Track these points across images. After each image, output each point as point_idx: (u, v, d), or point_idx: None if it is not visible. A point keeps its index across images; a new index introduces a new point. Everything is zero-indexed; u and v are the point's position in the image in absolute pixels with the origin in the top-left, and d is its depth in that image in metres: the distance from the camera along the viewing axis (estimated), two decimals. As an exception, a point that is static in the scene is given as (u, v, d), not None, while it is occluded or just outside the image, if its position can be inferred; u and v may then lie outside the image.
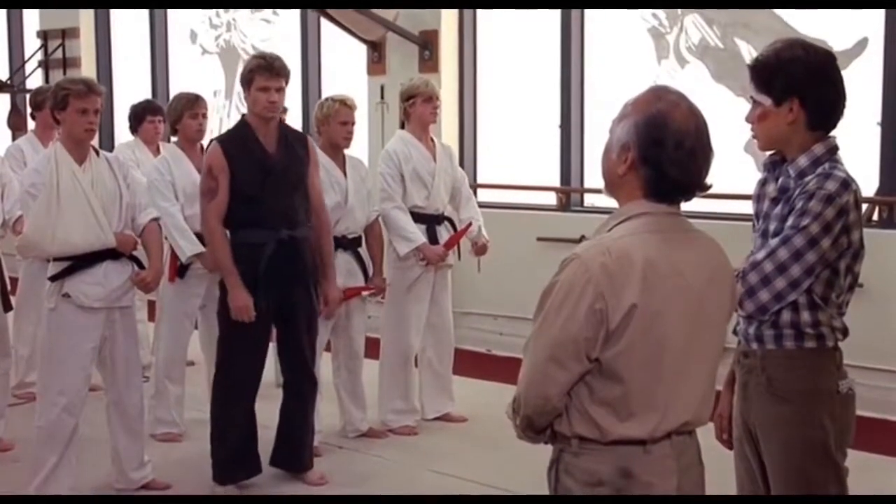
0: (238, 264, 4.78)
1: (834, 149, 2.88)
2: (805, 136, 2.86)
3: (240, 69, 9.29)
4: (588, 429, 2.29)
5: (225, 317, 4.86)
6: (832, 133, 2.90)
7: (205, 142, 5.97)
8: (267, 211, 4.79)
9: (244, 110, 8.41)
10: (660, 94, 2.31)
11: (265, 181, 4.79)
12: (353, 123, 5.60)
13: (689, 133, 2.26)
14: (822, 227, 2.76)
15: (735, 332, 2.97)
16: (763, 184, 3.01)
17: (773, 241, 2.81)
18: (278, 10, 9.00)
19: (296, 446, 5.10)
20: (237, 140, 4.88)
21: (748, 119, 2.93)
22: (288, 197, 4.86)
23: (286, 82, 4.90)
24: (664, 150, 2.25)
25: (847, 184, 2.80)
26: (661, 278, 2.24)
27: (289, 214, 4.83)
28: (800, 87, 2.82)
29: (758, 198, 3.02)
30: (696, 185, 2.31)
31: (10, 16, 11.07)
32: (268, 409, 6.23)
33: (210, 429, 4.98)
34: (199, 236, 5.72)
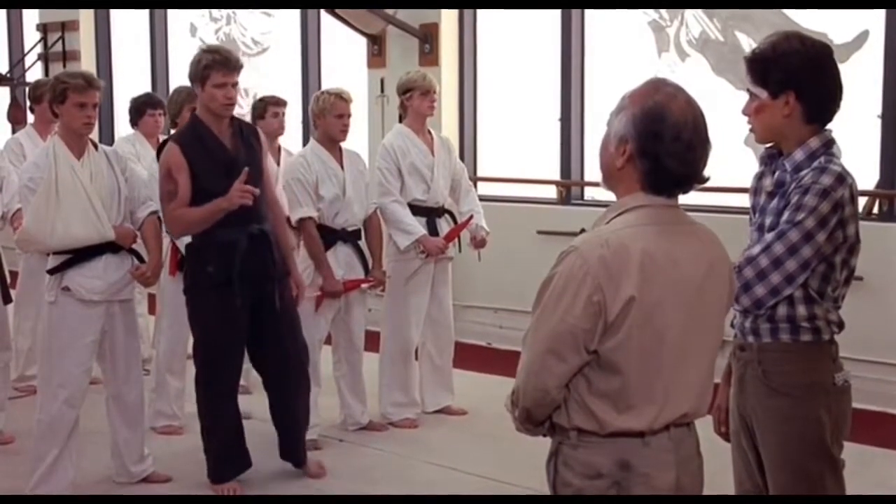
0: (210, 264, 4.69)
1: (830, 142, 2.88)
2: (801, 129, 2.86)
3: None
4: (586, 421, 2.29)
5: (197, 319, 4.83)
6: (829, 126, 2.90)
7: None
8: (236, 209, 4.63)
9: (244, 104, 8.36)
10: (657, 87, 2.31)
11: (228, 177, 4.61)
12: (349, 116, 5.59)
13: (686, 125, 2.26)
14: (817, 222, 2.76)
15: (732, 326, 2.97)
16: (759, 177, 3.01)
17: (769, 236, 2.82)
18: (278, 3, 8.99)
19: (287, 440, 5.05)
20: (193, 138, 4.74)
21: (744, 111, 2.93)
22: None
23: (238, 74, 4.79)
24: (662, 143, 2.25)
25: (842, 178, 2.80)
26: (658, 270, 2.24)
27: (255, 209, 4.69)
28: (796, 80, 2.81)
29: (754, 191, 3.02)
30: (693, 177, 2.31)
31: (9, 8, 11.06)
32: (265, 402, 6.24)
33: (200, 429, 4.97)
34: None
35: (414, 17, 7.68)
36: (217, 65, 4.64)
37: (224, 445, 4.93)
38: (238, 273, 4.65)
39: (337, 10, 7.50)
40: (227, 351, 4.83)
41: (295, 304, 4.98)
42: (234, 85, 4.72)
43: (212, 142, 4.72)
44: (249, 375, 6.67)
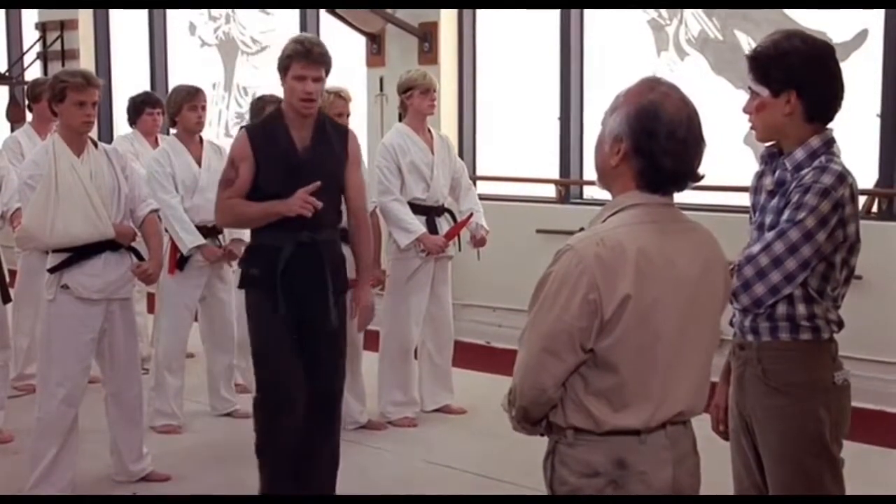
0: (256, 267, 4.39)
1: (830, 141, 2.88)
2: (802, 127, 2.86)
3: (238, 61, 9.43)
4: (583, 420, 2.29)
5: (249, 315, 4.50)
6: (829, 125, 2.90)
7: (204, 134, 5.98)
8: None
9: (243, 102, 8.32)
10: (651, 85, 2.31)
11: (289, 179, 4.28)
12: (347, 115, 5.59)
13: (681, 123, 2.26)
14: (817, 221, 2.76)
15: (731, 325, 2.97)
16: (760, 176, 3.01)
17: (769, 235, 2.82)
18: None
19: (315, 470, 4.49)
20: (267, 131, 4.41)
21: (745, 109, 2.93)
22: (313, 196, 4.28)
23: (326, 72, 4.36)
24: (656, 141, 2.25)
25: (843, 177, 2.80)
26: (654, 269, 2.24)
27: (313, 216, 4.28)
28: (797, 79, 2.81)
29: (755, 190, 3.02)
30: (688, 175, 2.31)
31: (8, 7, 11.05)
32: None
33: (255, 448, 4.48)
34: (200, 228, 5.74)
35: (413, 15, 7.68)
36: (297, 55, 4.29)
37: (272, 473, 4.43)
38: (280, 282, 4.29)
39: (336, 9, 7.50)
40: (277, 358, 4.37)
41: (344, 330, 4.52)
42: (317, 80, 4.32)
43: (282, 139, 4.35)
44: (248, 374, 6.69)
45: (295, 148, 4.35)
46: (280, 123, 4.38)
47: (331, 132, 4.44)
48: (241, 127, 4.61)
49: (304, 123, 4.36)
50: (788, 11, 6.35)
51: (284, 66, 4.31)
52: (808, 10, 6.22)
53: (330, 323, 4.34)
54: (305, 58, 4.28)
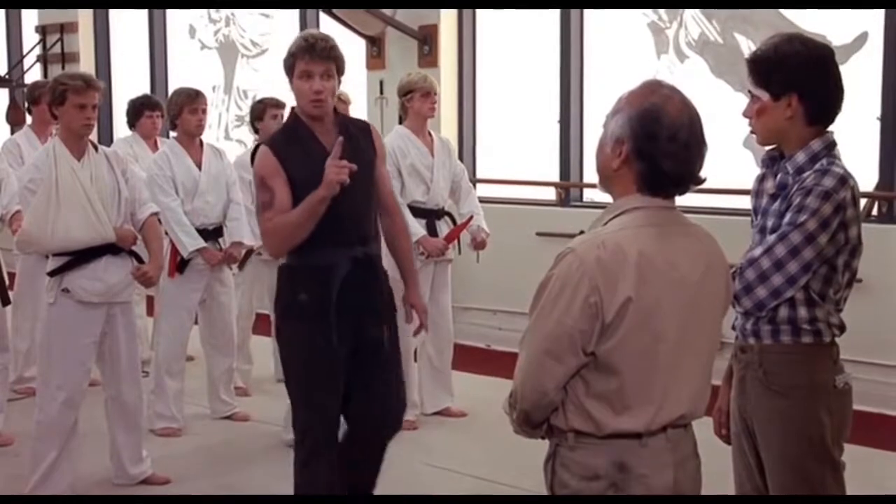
0: (303, 292, 3.86)
1: (832, 144, 2.88)
2: (803, 130, 2.86)
3: (238, 64, 9.43)
4: (584, 422, 2.29)
5: (288, 352, 4.02)
6: (830, 128, 2.90)
7: (204, 137, 5.98)
8: (336, 224, 3.81)
9: (243, 105, 8.28)
10: (653, 88, 2.31)
11: None
12: (347, 118, 5.58)
13: (682, 126, 2.26)
14: (819, 224, 2.76)
15: (733, 328, 2.97)
16: (761, 179, 3.01)
17: (771, 238, 2.81)
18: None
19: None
20: (289, 138, 3.95)
21: (746, 114, 2.93)
22: (359, 204, 3.89)
23: (338, 68, 3.90)
24: (658, 144, 2.25)
25: (844, 180, 2.80)
26: (655, 272, 2.24)
27: (362, 227, 3.91)
28: (798, 83, 2.81)
29: (756, 193, 3.02)
30: (690, 178, 2.31)
31: (8, 10, 11.06)
32: (265, 404, 6.24)
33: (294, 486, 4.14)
34: (200, 231, 5.74)
35: (413, 18, 7.68)
36: (301, 51, 3.86)
37: None
38: (336, 305, 3.81)
39: (336, 12, 7.51)
40: (320, 393, 3.92)
41: (399, 353, 4.10)
42: (326, 76, 3.86)
43: (308, 144, 3.90)
44: (249, 377, 6.70)
45: (325, 153, 3.82)
46: (301, 129, 3.94)
47: (354, 131, 4.04)
48: (258, 144, 4.03)
49: (324, 126, 3.93)
50: (788, 14, 6.36)
51: (290, 66, 3.92)
52: (808, 12, 6.22)
53: (384, 349, 3.93)
54: (310, 53, 3.86)
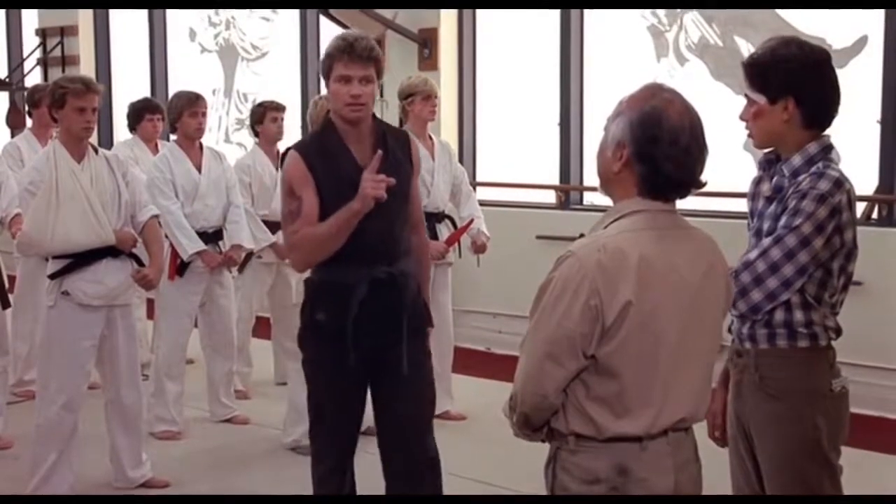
0: (321, 311, 3.72)
1: (828, 148, 2.88)
2: (800, 134, 2.86)
3: (239, 67, 9.43)
4: (584, 426, 2.29)
5: (308, 369, 3.87)
6: (828, 131, 2.90)
7: (204, 140, 5.98)
8: (361, 241, 3.60)
9: (244, 108, 8.25)
10: (654, 92, 2.31)
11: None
12: (347, 122, 5.57)
13: (683, 129, 2.26)
14: (814, 227, 2.76)
15: (729, 332, 2.97)
16: (758, 182, 3.01)
17: (766, 241, 2.82)
18: (277, 9, 9.01)
19: None
20: (321, 147, 3.72)
21: (742, 117, 2.93)
22: (390, 221, 3.66)
23: (377, 71, 3.67)
24: (659, 147, 2.26)
25: (840, 183, 2.80)
26: (655, 275, 2.24)
27: (388, 245, 3.68)
28: (795, 86, 2.82)
29: (752, 196, 3.02)
30: (690, 181, 2.32)
31: (8, 13, 11.09)
32: (264, 407, 6.24)
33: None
34: (200, 234, 5.74)
35: (413, 21, 7.68)
36: (339, 52, 3.62)
37: None
38: (353, 326, 3.63)
39: (336, 16, 7.51)
40: (336, 415, 3.83)
41: (426, 375, 3.87)
42: (365, 80, 3.62)
43: (340, 152, 3.68)
44: (249, 380, 6.70)
45: (357, 165, 3.63)
46: (334, 137, 3.70)
47: (392, 142, 3.77)
48: (290, 148, 3.86)
49: (360, 134, 3.70)
50: (788, 18, 6.36)
51: (326, 69, 3.67)
52: (809, 16, 6.22)
53: (402, 370, 3.69)
54: (348, 54, 3.61)
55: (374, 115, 3.78)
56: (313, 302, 3.75)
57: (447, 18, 7.74)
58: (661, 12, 7.00)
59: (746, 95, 2.92)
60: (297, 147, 3.77)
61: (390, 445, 3.88)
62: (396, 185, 3.59)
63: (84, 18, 10.24)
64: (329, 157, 3.66)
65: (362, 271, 3.63)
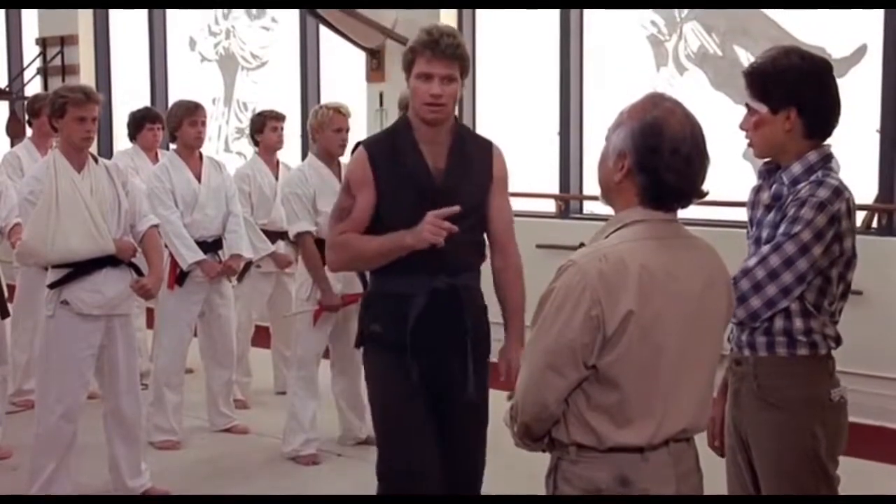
0: (377, 322, 3.52)
1: (828, 157, 2.89)
2: (801, 143, 2.87)
3: (238, 76, 9.43)
4: (586, 436, 2.29)
5: (370, 377, 3.66)
6: (828, 141, 2.90)
7: (203, 149, 5.98)
8: (419, 250, 3.37)
9: (243, 118, 8.22)
10: (655, 102, 2.31)
11: (419, 210, 3.37)
12: (347, 130, 5.60)
13: (685, 140, 2.26)
14: (813, 235, 2.77)
15: (728, 340, 2.97)
16: (757, 191, 3.02)
17: (765, 248, 2.82)
18: (277, 18, 9.01)
19: None
20: (391, 146, 3.50)
21: (743, 126, 2.94)
22: (458, 233, 3.38)
23: (463, 69, 3.48)
24: (660, 157, 2.26)
25: (839, 191, 2.80)
26: (657, 285, 2.24)
27: (452, 254, 3.39)
28: (797, 96, 2.82)
29: (752, 205, 3.03)
30: (692, 191, 2.32)
31: (8, 23, 11.09)
32: (264, 416, 6.23)
33: None
34: (199, 244, 5.74)
35: (412, 31, 7.65)
36: (423, 47, 3.40)
37: None
38: (411, 339, 3.41)
39: (335, 25, 7.51)
40: (402, 434, 3.52)
41: (486, 400, 3.68)
42: (448, 80, 3.41)
43: (412, 155, 3.46)
44: (248, 389, 6.69)
45: (426, 169, 3.44)
46: (407, 136, 3.48)
47: (472, 148, 3.56)
48: (359, 143, 3.61)
49: (437, 137, 3.48)
50: (787, 27, 6.36)
51: (408, 62, 3.45)
52: (808, 25, 6.23)
53: (467, 393, 3.47)
54: (432, 50, 3.38)
55: (455, 118, 3.58)
56: (367, 313, 3.57)
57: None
58: (660, 22, 7.00)
59: (747, 105, 2.92)
60: (367, 144, 3.57)
61: (448, 476, 3.54)
62: (465, 195, 3.42)
63: (84, 28, 10.24)
64: (398, 156, 3.46)
65: (420, 281, 3.42)
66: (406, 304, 3.42)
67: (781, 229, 2.80)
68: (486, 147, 3.63)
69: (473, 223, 3.50)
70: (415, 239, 3.33)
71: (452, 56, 3.40)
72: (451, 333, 3.46)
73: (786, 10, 6.35)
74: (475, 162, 3.54)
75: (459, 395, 3.41)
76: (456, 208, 3.34)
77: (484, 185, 3.57)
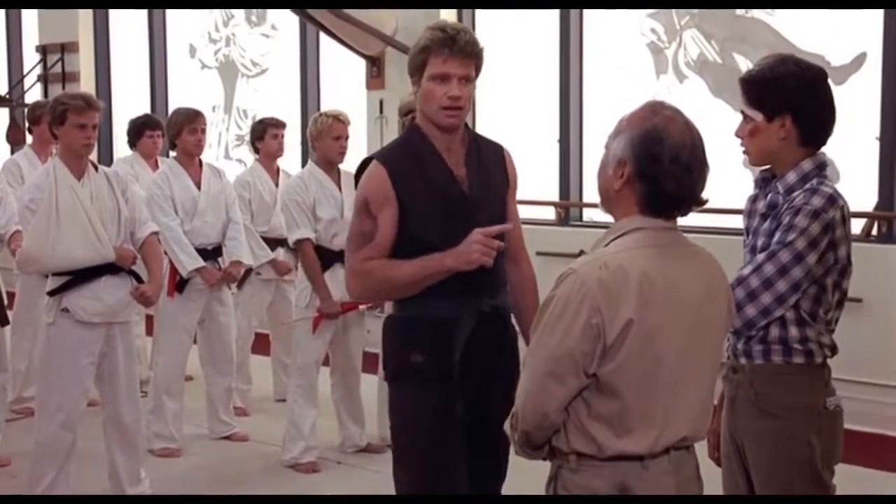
0: (418, 351, 3.15)
1: (823, 165, 2.89)
2: (796, 151, 2.87)
3: (239, 84, 9.44)
4: (586, 444, 2.29)
5: (399, 420, 3.26)
6: (824, 149, 2.91)
7: (203, 156, 5.99)
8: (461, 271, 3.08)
9: (243, 125, 8.24)
10: (655, 109, 2.32)
11: (451, 226, 3.10)
12: (346, 138, 5.60)
13: (685, 147, 2.27)
14: (808, 243, 2.77)
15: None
16: (754, 200, 3.03)
17: (760, 257, 2.83)
18: (277, 25, 9.02)
19: None
20: (410, 157, 3.18)
21: (738, 134, 2.94)
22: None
23: (477, 70, 3.20)
24: (660, 165, 2.26)
25: (834, 199, 2.81)
26: (657, 293, 2.24)
27: (491, 273, 3.12)
28: (793, 104, 2.83)
29: (748, 213, 3.04)
30: (692, 199, 2.32)
31: (9, 30, 11.11)
32: (263, 424, 6.23)
33: None
34: (199, 251, 5.74)
35: (412, 38, 7.64)
36: (437, 45, 3.10)
37: None
38: (459, 369, 3.10)
39: (335, 32, 7.51)
40: (440, 473, 3.17)
41: None
42: (465, 80, 3.12)
43: (431, 160, 3.18)
44: (248, 397, 6.69)
45: (453, 178, 3.16)
46: (424, 145, 3.18)
47: (486, 155, 3.29)
48: (370, 158, 3.26)
49: (452, 144, 3.20)
50: (787, 35, 6.37)
51: (419, 63, 3.14)
52: (807, 33, 6.23)
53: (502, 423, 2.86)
54: (450, 49, 3.09)
55: (465, 125, 3.30)
56: (404, 343, 3.19)
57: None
58: (660, 29, 7.01)
59: (743, 112, 2.93)
60: (381, 158, 3.21)
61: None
62: (491, 205, 3.21)
63: (84, 35, 10.25)
64: (418, 165, 3.16)
65: (466, 304, 3.11)
66: (452, 331, 3.11)
67: (776, 238, 2.81)
68: (497, 151, 3.37)
69: (501, 238, 3.15)
70: (458, 261, 3.03)
71: (470, 55, 3.13)
72: (496, 359, 3.17)
73: (785, 18, 6.36)
74: (492, 168, 3.29)
75: (498, 424, 2.75)
76: (509, 226, 3.15)
77: (503, 192, 3.31)
